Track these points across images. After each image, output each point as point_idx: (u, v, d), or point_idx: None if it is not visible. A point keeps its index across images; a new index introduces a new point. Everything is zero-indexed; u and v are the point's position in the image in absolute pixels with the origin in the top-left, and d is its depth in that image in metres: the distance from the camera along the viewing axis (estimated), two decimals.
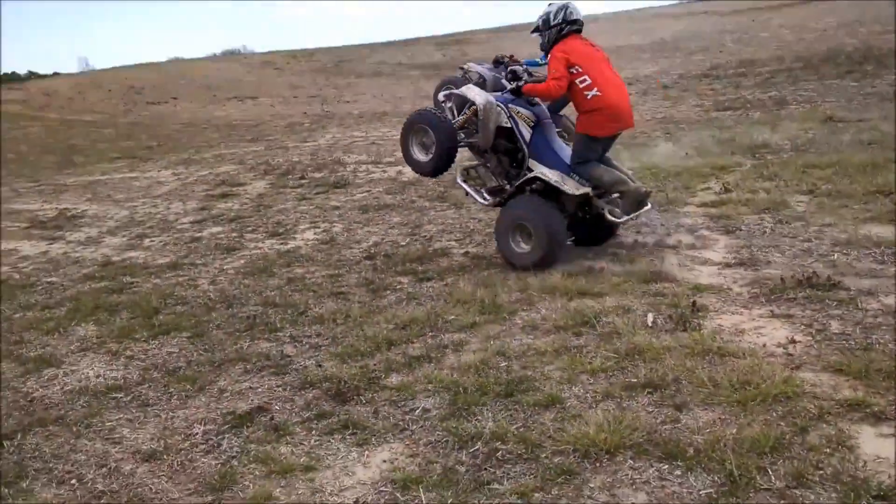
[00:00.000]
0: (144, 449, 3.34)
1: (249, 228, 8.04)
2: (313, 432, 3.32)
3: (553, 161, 5.36)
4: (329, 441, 3.23)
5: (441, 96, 5.99)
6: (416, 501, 2.74)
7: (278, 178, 11.37)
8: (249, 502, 2.86)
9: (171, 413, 3.69)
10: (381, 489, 2.85)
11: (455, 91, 5.71)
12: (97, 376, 4.30)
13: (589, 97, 5.10)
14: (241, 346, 4.48)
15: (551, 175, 5.25)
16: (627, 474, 2.74)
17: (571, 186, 5.20)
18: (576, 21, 5.26)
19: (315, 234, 7.41)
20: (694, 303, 4.23)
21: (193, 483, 3.01)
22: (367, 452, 3.11)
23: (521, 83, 5.31)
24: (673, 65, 22.22)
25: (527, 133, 5.39)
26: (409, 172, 10.35)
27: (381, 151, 13.19)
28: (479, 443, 3.04)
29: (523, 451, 2.95)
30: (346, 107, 24.81)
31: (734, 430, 2.89)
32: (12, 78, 57.24)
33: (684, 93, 16.20)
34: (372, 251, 6.42)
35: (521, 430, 3.10)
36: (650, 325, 4.05)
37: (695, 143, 9.68)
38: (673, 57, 24.22)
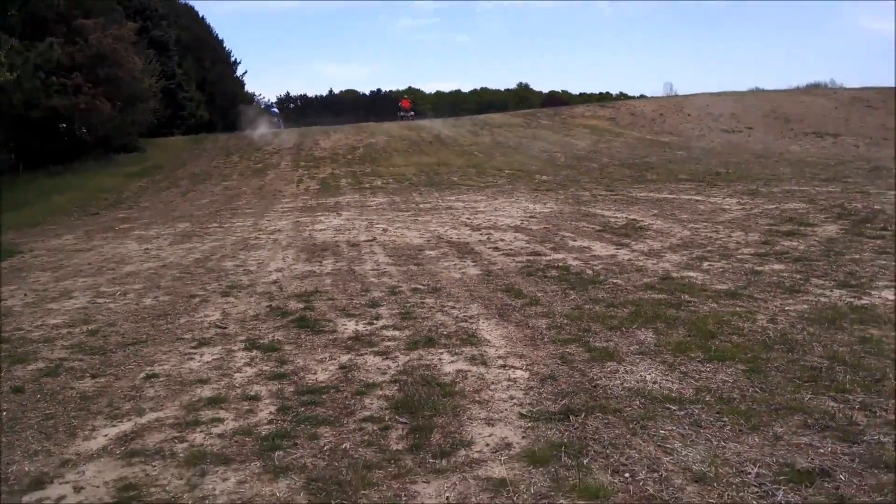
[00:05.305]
0: (695, 469, 3.34)
1: (816, 273, 7.44)
2: None
3: None
4: None
5: None
6: None
7: (854, 225, 10.30)
8: None
9: (722, 442, 3.62)
10: None
11: None
12: (653, 382, 4.50)
13: None
14: (802, 397, 4.14)
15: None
16: None
17: None
18: None
19: None
20: None
21: None
22: None
23: None
24: None
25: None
26: None
27: None
28: None
29: None
30: None
31: None
32: (605, 97, 65.04)
33: None
34: None
35: None
36: None
37: None
38: None
